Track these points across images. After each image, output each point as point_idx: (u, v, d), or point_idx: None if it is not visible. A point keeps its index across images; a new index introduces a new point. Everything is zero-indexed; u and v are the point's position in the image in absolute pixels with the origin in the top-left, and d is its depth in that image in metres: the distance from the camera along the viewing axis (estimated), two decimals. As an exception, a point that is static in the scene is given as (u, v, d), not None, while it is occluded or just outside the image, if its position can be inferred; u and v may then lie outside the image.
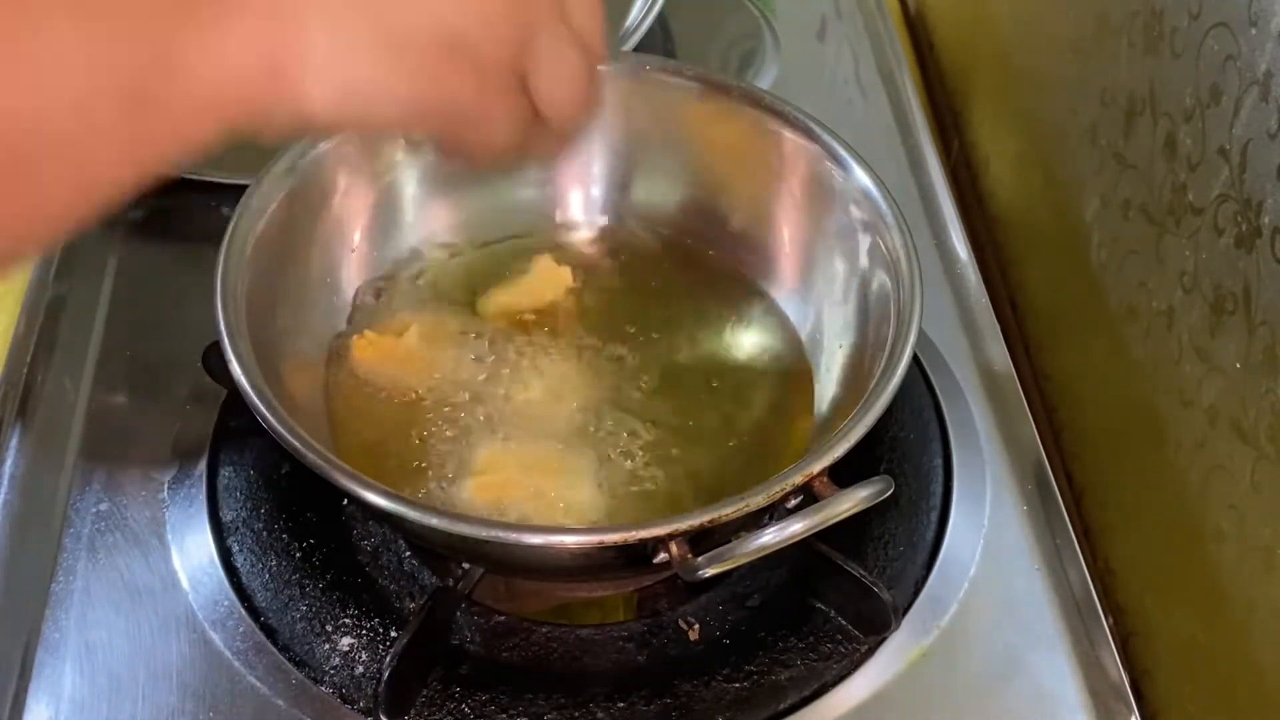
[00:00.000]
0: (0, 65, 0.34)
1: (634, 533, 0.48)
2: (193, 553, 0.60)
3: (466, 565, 0.59)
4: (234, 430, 0.64)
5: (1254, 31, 0.54)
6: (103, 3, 0.36)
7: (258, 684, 0.56)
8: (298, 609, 0.58)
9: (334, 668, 0.56)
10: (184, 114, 0.38)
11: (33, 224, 0.37)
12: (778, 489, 0.50)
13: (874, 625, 0.58)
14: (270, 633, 0.57)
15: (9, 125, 0.35)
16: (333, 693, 0.56)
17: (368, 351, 0.64)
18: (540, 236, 0.71)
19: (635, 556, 0.49)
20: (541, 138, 0.47)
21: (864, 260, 0.62)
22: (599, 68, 0.47)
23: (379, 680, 0.54)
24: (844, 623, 0.59)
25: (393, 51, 0.40)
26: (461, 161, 0.50)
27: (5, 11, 0.35)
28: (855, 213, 0.62)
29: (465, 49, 0.41)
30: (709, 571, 0.47)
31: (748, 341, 0.66)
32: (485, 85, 0.43)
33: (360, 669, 0.56)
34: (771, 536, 0.47)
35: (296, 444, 0.50)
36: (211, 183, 0.75)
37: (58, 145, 0.36)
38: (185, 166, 0.40)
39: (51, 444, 0.65)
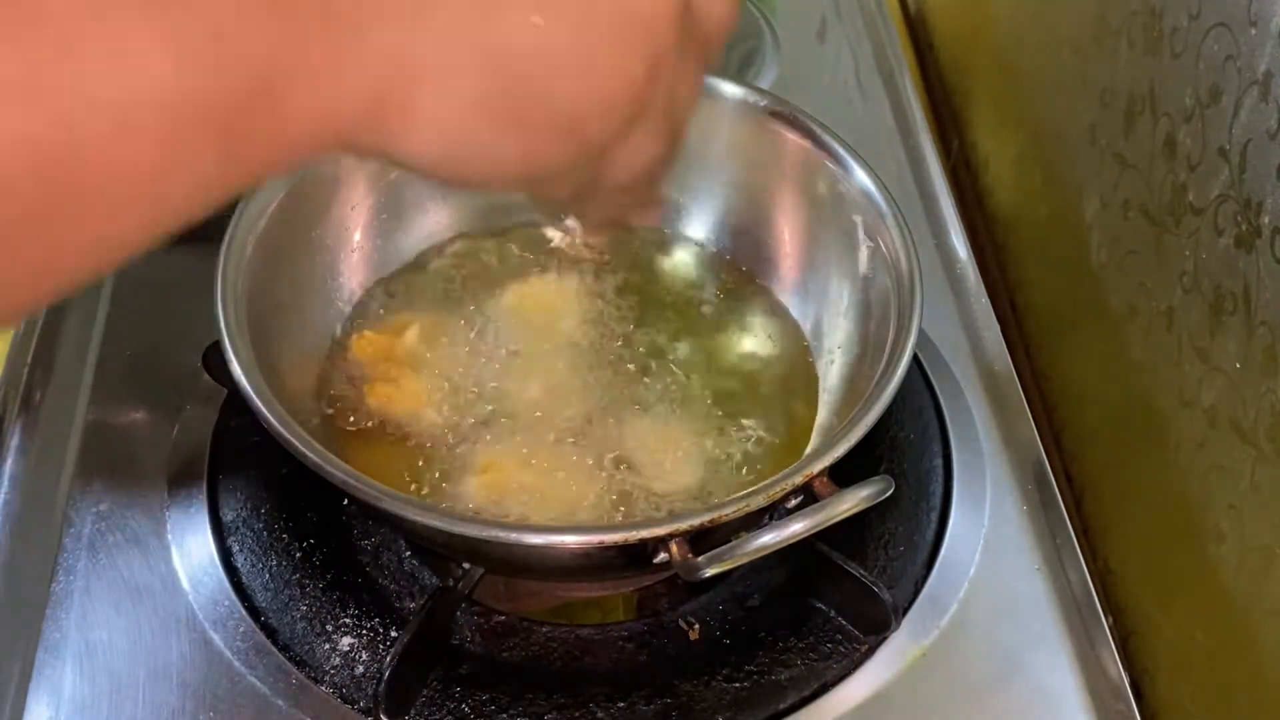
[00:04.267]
0: (60, 85, 0.28)
1: (634, 533, 0.48)
2: (193, 553, 0.60)
3: (466, 565, 0.59)
4: (234, 430, 0.64)
5: (1254, 31, 0.54)
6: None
7: (258, 684, 0.56)
8: (298, 609, 0.58)
9: (334, 668, 0.56)
10: (277, 137, 0.32)
11: (77, 264, 0.31)
12: (778, 489, 0.50)
13: (874, 625, 0.58)
14: (270, 633, 0.57)
15: (73, 160, 0.28)
16: (333, 693, 0.56)
17: (368, 351, 0.64)
18: (541, 236, 0.71)
19: (635, 556, 0.49)
20: (597, 203, 0.46)
21: (864, 260, 0.62)
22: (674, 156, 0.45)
23: (379, 680, 0.54)
24: (844, 623, 0.59)
25: (508, 124, 0.37)
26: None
27: (66, 14, 0.28)
28: (855, 213, 0.62)
29: (576, 131, 0.39)
30: (709, 571, 0.47)
31: (749, 341, 0.66)
32: (576, 161, 0.40)
33: (360, 669, 0.56)
34: (771, 536, 0.47)
35: (297, 444, 0.50)
36: (211, 183, 0.75)
37: (132, 182, 0.30)
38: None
39: (52, 444, 0.65)
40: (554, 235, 0.71)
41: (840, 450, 0.51)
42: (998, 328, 0.73)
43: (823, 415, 0.63)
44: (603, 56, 0.38)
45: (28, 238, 0.29)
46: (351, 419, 0.62)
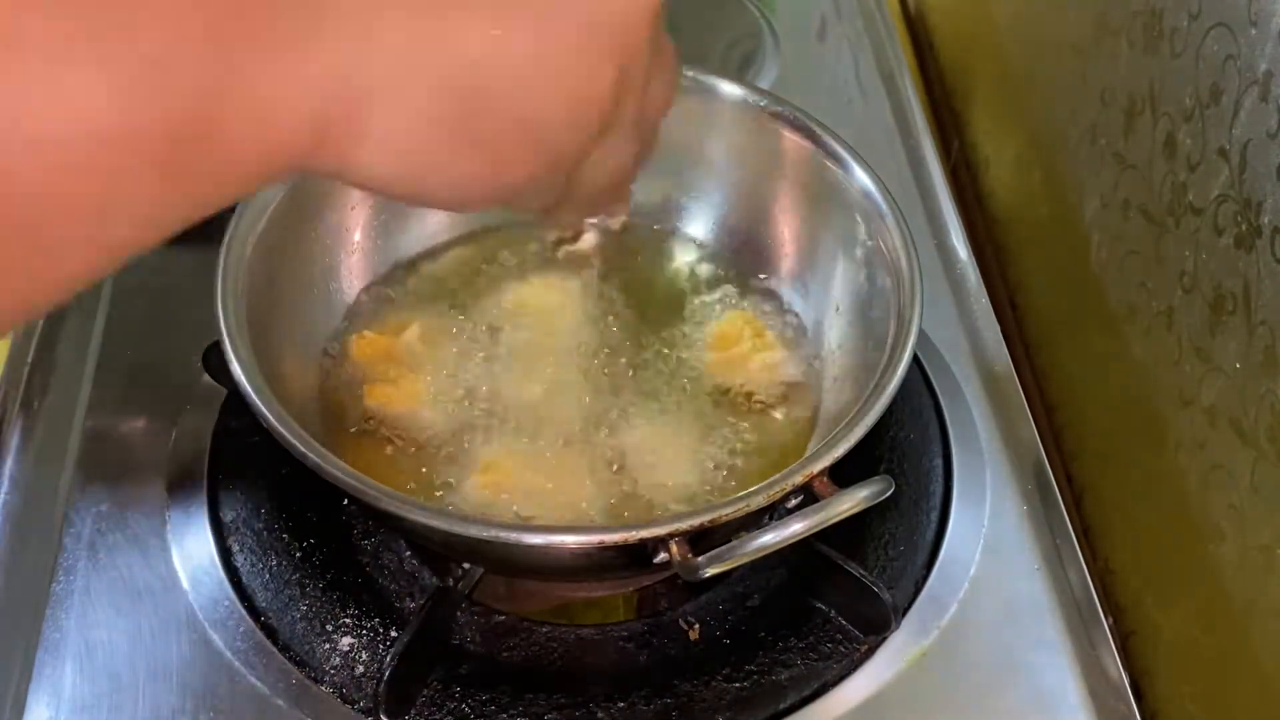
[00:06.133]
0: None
1: (634, 533, 0.48)
2: (193, 553, 0.60)
3: (466, 565, 0.59)
4: (234, 430, 0.64)
5: (1254, 31, 0.54)
6: (137, 24, 0.28)
7: (258, 684, 0.56)
8: (298, 609, 0.58)
9: (334, 668, 0.56)
10: (223, 170, 0.31)
11: (26, 301, 0.30)
12: (778, 489, 0.50)
13: (874, 625, 0.58)
14: (270, 633, 0.57)
15: (12, 196, 0.27)
16: (333, 693, 0.56)
17: (367, 351, 0.64)
18: (542, 236, 0.71)
19: (635, 556, 0.49)
20: (564, 211, 0.44)
21: (864, 260, 0.62)
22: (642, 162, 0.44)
23: (379, 680, 0.54)
24: (844, 623, 0.59)
25: (470, 144, 0.35)
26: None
27: (3, 40, 0.27)
28: (855, 213, 0.62)
29: (544, 145, 0.37)
30: (709, 571, 0.47)
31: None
32: (546, 175, 0.38)
33: (360, 669, 0.56)
34: (772, 536, 0.47)
35: (297, 444, 0.50)
36: (211, 183, 0.75)
37: (75, 217, 0.29)
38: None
39: (52, 444, 0.65)
40: (554, 236, 0.71)
41: (840, 450, 0.51)
42: (998, 328, 0.73)
43: (822, 415, 0.63)
44: (569, 66, 0.36)
45: None
46: (351, 419, 0.62)
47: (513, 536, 0.49)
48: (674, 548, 0.48)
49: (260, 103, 0.31)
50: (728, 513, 0.48)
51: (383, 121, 0.33)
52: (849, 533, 0.59)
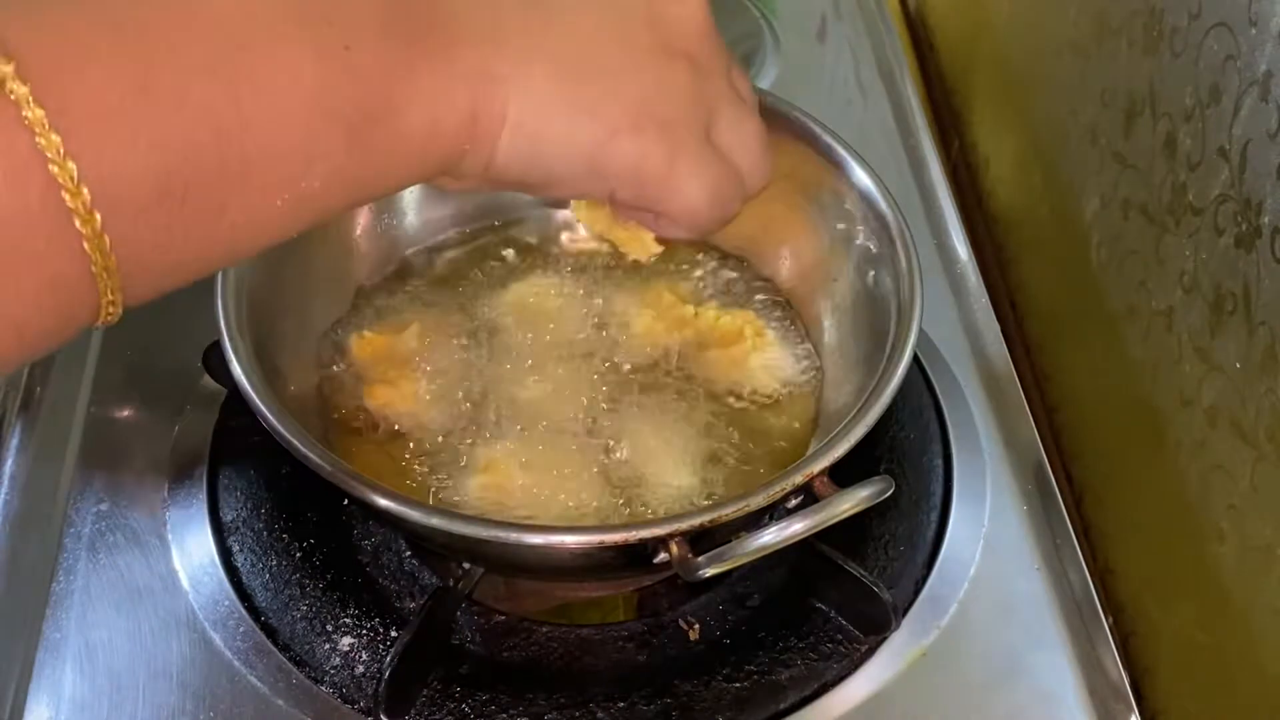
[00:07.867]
0: (235, 76, 0.34)
1: (634, 533, 0.48)
2: (193, 553, 0.60)
3: (466, 565, 0.59)
4: (234, 430, 0.64)
5: (1254, 31, 0.54)
6: (333, 19, 0.36)
7: (258, 684, 0.56)
8: (298, 609, 0.58)
9: (334, 668, 0.56)
10: (398, 147, 0.38)
11: (239, 238, 0.36)
12: (778, 489, 0.50)
13: (874, 625, 0.58)
14: (270, 633, 0.57)
15: (240, 137, 0.34)
16: (333, 693, 0.56)
17: (367, 351, 0.64)
18: (541, 235, 0.71)
19: (635, 556, 0.49)
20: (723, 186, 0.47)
21: (864, 260, 0.62)
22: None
23: (379, 680, 0.54)
24: (844, 623, 0.59)
25: (585, 114, 0.42)
26: (653, 223, 0.49)
27: (238, 21, 0.35)
28: (855, 213, 0.62)
29: (655, 117, 0.43)
30: (709, 571, 0.47)
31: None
32: (675, 146, 0.44)
33: (360, 669, 0.56)
34: (772, 536, 0.47)
35: (297, 444, 0.50)
36: (211, 183, 0.75)
37: (281, 162, 0.36)
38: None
39: (52, 444, 0.65)
40: (554, 235, 0.71)
41: (840, 450, 0.51)
42: (998, 328, 0.73)
43: (823, 415, 0.63)
44: (648, 58, 0.43)
45: (206, 208, 0.34)
46: (351, 419, 0.62)
47: (513, 536, 0.49)
48: (674, 548, 0.48)
49: (426, 95, 0.38)
50: (728, 513, 0.48)
51: (516, 107, 0.40)
52: (849, 533, 0.59)
